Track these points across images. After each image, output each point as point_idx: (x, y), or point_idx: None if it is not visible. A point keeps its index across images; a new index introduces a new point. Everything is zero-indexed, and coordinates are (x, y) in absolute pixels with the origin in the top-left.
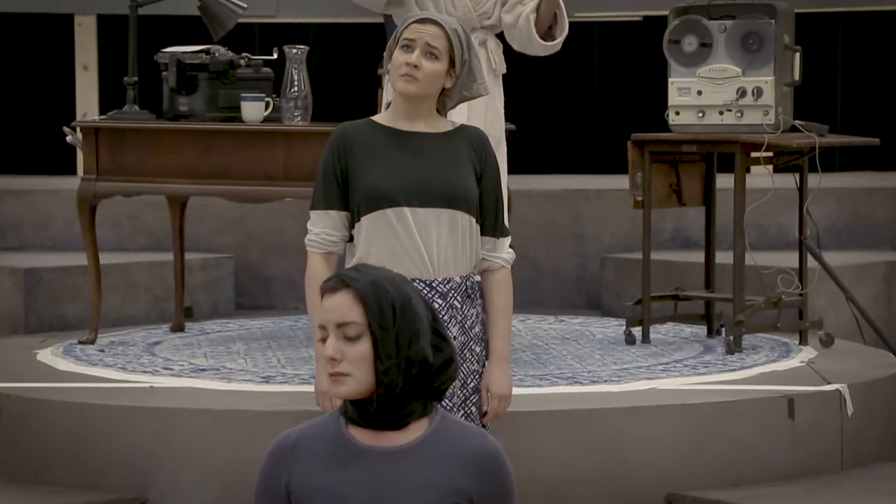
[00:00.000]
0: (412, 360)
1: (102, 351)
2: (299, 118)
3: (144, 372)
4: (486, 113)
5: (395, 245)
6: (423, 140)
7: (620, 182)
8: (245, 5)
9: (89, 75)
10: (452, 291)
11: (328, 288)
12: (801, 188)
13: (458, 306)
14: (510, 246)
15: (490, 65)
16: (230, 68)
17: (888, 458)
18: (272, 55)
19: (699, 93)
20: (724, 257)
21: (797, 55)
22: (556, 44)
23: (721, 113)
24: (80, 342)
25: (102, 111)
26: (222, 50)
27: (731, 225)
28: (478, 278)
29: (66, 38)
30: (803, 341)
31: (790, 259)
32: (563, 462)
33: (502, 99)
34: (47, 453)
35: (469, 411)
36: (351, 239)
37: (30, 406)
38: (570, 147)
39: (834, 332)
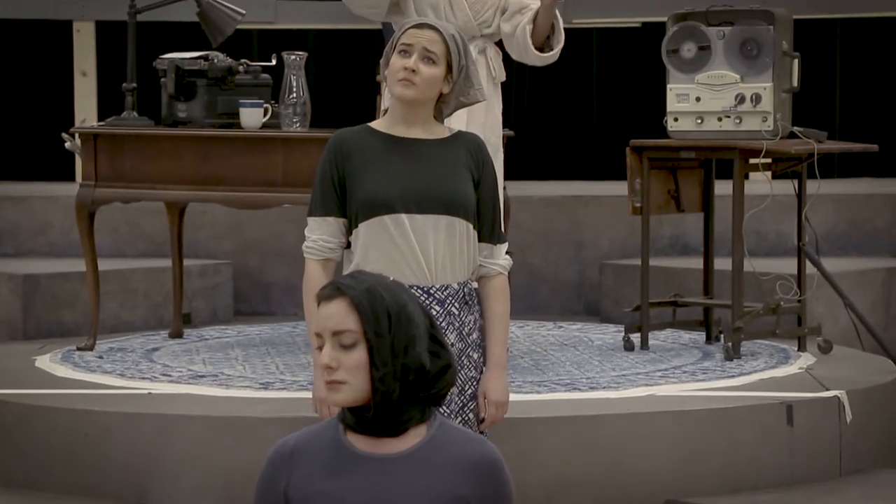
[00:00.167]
0: (409, 366)
1: (101, 357)
2: (298, 124)
3: (143, 378)
4: (485, 120)
5: (393, 252)
6: (421, 147)
7: (619, 188)
8: (244, 12)
9: (88, 81)
10: (450, 298)
11: (324, 296)
12: (800, 194)
13: (456, 313)
14: (507, 252)
15: (489, 72)
16: (229, 74)
17: (887, 464)
18: (271, 61)
19: (698, 99)
20: (722, 263)
21: (795, 61)
22: (553, 55)
23: (719, 119)
24: (79, 348)
25: (101, 117)
26: (221, 56)
27: (729, 231)
28: (475, 285)
29: (64, 45)
30: (802, 348)
31: (789, 265)
32: (562, 468)
33: (501, 106)
34: (46, 460)
35: (467, 418)
36: (349, 245)
37: (28, 412)
38: (568, 153)
39: (832, 338)
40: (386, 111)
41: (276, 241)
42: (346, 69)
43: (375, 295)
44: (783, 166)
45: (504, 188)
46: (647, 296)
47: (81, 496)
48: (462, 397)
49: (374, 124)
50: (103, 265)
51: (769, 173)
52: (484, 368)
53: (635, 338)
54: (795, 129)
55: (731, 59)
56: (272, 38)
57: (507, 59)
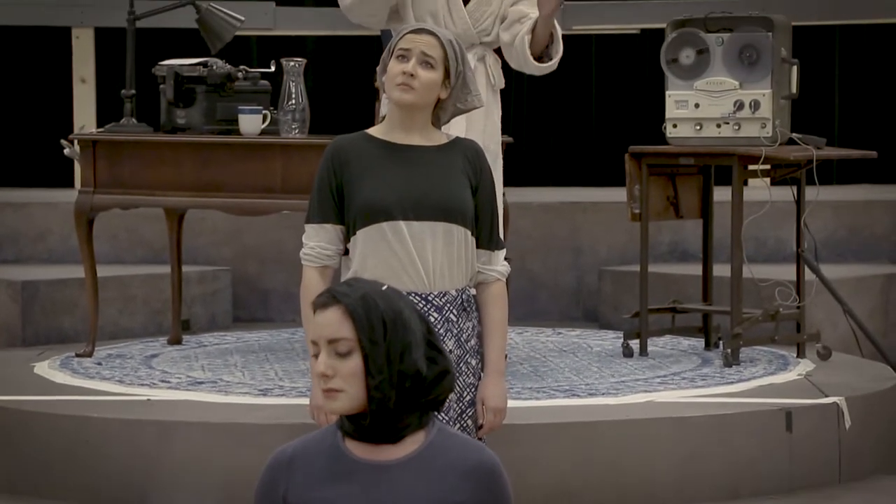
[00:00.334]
0: (405, 373)
1: (100, 364)
2: (297, 131)
3: (142, 385)
4: (484, 127)
5: (391, 259)
6: (419, 153)
7: (618, 195)
8: (243, 18)
9: (87, 88)
10: (448, 305)
11: (319, 303)
12: (799, 201)
13: (454, 319)
14: (506, 258)
15: (489, 80)
16: (228, 81)
17: (886, 471)
18: (270, 68)
19: (696, 106)
20: (721, 270)
21: (794, 68)
22: (552, 64)
23: (718, 126)
24: (78, 355)
25: (100, 124)
26: (220, 63)
27: (728, 237)
28: (473, 291)
29: (63, 51)
30: (801, 354)
31: (788, 272)
32: (561, 474)
33: (500, 113)
34: (45, 466)
35: (465, 424)
36: (346, 252)
37: (27, 419)
38: (567, 160)
39: (831, 344)
40: (384, 118)
41: (274, 248)
42: (345, 76)
43: (370, 302)
44: (782, 173)
45: (503, 194)
46: (645, 302)
47: (80, 502)
48: (460, 404)
49: (371, 131)
50: (102, 271)
51: (768, 180)
52: (482, 375)
53: (634, 344)
54: (794, 135)
55: (730, 66)
56: (271, 45)
57: (506, 66)
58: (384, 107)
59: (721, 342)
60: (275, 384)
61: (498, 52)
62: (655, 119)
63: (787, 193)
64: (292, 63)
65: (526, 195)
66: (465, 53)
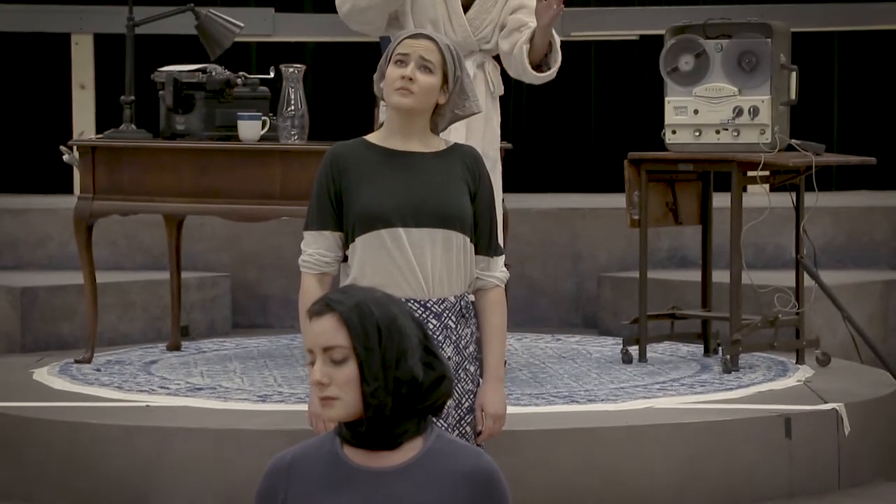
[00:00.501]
0: (401, 380)
1: (99, 370)
2: (296, 137)
3: (141, 391)
4: (484, 134)
5: (390, 266)
6: (417, 160)
7: (617, 201)
8: (242, 24)
9: (86, 94)
10: (447, 311)
11: (314, 311)
12: (798, 207)
13: (453, 326)
14: (505, 265)
15: (488, 87)
16: (227, 87)
17: (885, 477)
18: (269, 74)
19: (696, 112)
20: (720, 276)
21: (793, 74)
22: (550, 74)
23: (717, 132)
24: (77, 361)
25: (99, 130)
26: (219, 69)
27: (727, 244)
28: (472, 298)
29: (62, 57)
30: (800, 360)
31: (787, 278)
32: (560, 481)
33: (499, 119)
34: (43, 472)
35: (464, 431)
36: (345, 259)
37: (26, 425)
38: (566, 166)
39: (831, 351)
40: (382, 125)
41: (274, 254)
42: (345, 82)
43: (365, 309)
44: (781, 179)
45: (503, 201)
46: (645, 308)
47: None
48: (459, 410)
49: (369, 137)
50: (101, 278)
51: (767, 186)
52: (481, 381)
53: (633, 350)
54: (793, 141)
55: (729, 72)
56: (270, 51)
57: (505, 73)
58: (382, 114)
59: (720, 348)
60: (274, 390)
61: (497, 58)
62: (654, 125)
63: (786, 200)
64: (291, 69)
65: (525, 201)
66: (462, 59)
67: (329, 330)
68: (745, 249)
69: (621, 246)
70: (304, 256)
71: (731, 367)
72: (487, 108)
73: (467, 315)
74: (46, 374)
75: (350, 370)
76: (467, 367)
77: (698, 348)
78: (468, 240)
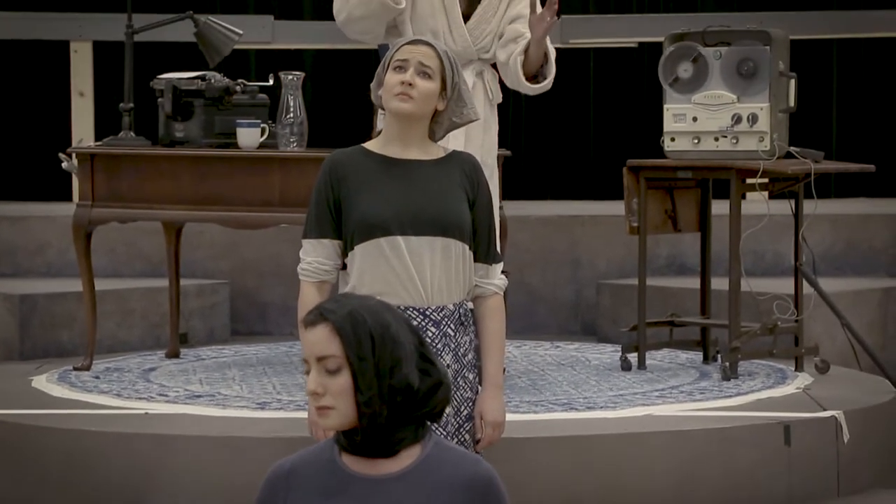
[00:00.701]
0: (395, 388)
1: (97, 377)
2: (295, 144)
3: (139, 398)
4: (483, 142)
5: (389, 274)
6: (416, 167)
7: (616, 208)
8: (241, 32)
9: (85, 102)
10: (446, 319)
11: (308, 321)
12: (797, 214)
13: (452, 334)
14: (504, 272)
15: (487, 95)
16: (226, 94)
17: (884, 484)
18: (268, 81)
19: (694, 119)
20: (719, 283)
21: (792, 82)
22: (545, 85)
23: (716, 139)
24: (76, 368)
25: (98, 137)
26: (218, 76)
27: (726, 251)
28: (471, 305)
29: (62, 65)
30: (799, 368)
31: (786, 285)
32: (559, 488)
33: (497, 127)
34: (42, 480)
35: (463, 439)
36: (344, 267)
37: (25, 433)
38: (565, 173)
39: (830, 358)
40: (379, 132)
41: (272, 261)
42: (344, 89)
43: (358, 318)
44: (780, 186)
45: (501, 207)
46: (644, 315)
47: None
48: (458, 418)
49: (368, 145)
50: (100, 285)
51: (766, 193)
52: (480, 389)
53: (632, 357)
54: (792, 149)
55: (728, 80)
56: (269, 58)
57: (503, 81)
58: (380, 122)
59: (719, 356)
60: (273, 398)
61: (496, 66)
62: (653, 132)
63: (785, 207)
64: (290, 76)
65: (524, 209)
66: (459, 66)
67: (322, 340)
68: (744, 257)
69: (620, 253)
70: (302, 265)
71: (730, 374)
72: (486, 116)
73: (466, 323)
74: (45, 382)
75: (344, 380)
76: (466, 374)
77: (697, 355)
78: (467, 247)
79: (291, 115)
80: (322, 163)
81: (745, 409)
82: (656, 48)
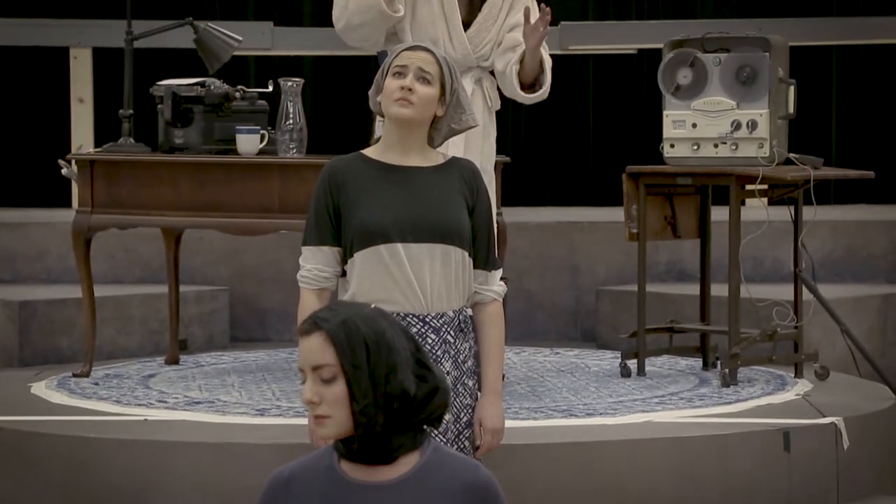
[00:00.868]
0: (391, 395)
1: (97, 384)
2: (294, 150)
3: (139, 405)
4: (482, 149)
5: (388, 281)
6: (415, 174)
7: (615, 214)
8: (240, 38)
9: (85, 108)
10: (445, 326)
11: (303, 330)
12: (796, 221)
13: (451, 341)
14: (503, 278)
15: (486, 101)
16: (225, 101)
17: (884, 491)
18: (268, 88)
19: (694, 125)
20: (719, 290)
21: (791, 88)
22: (540, 95)
23: (716, 146)
24: (75, 375)
25: (98, 144)
26: (217, 83)
27: (726, 257)
28: (470, 312)
29: (61, 71)
30: (799, 374)
31: (785, 292)
32: (559, 495)
33: (495, 133)
34: (41, 487)
35: (462, 445)
36: (344, 274)
37: (24, 439)
38: (565, 179)
39: (829, 364)
40: (378, 139)
41: (272, 268)
42: (343, 95)
43: (351, 326)
44: (779, 193)
45: (499, 214)
46: (643, 322)
47: None
48: (457, 425)
49: (367, 152)
50: (100, 291)
51: (765, 199)
52: (479, 395)
53: (632, 364)
54: (792, 155)
55: (727, 86)
56: (269, 65)
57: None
58: (378, 128)
59: (719, 362)
60: (272, 404)
61: (493, 73)
62: (653, 139)
63: (784, 213)
64: (290, 83)
65: (523, 215)
66: (458, 72)
67: (317, 349)
68: (744, 263)
69: (620, 259)
70: (302, 272)
71: (729, 380)
72: (485, 123)
73: (465, 329)
74: (44, 388)
75: (339, 388)
76: (466, 381)
77: (697, 362)
78: (466, 254)
79: (291, 121)
80: (321, 169)
81: (745, 415)
82: (655, 55)
